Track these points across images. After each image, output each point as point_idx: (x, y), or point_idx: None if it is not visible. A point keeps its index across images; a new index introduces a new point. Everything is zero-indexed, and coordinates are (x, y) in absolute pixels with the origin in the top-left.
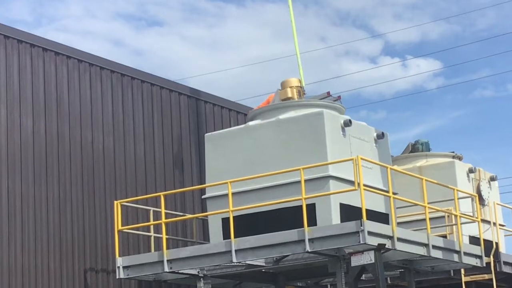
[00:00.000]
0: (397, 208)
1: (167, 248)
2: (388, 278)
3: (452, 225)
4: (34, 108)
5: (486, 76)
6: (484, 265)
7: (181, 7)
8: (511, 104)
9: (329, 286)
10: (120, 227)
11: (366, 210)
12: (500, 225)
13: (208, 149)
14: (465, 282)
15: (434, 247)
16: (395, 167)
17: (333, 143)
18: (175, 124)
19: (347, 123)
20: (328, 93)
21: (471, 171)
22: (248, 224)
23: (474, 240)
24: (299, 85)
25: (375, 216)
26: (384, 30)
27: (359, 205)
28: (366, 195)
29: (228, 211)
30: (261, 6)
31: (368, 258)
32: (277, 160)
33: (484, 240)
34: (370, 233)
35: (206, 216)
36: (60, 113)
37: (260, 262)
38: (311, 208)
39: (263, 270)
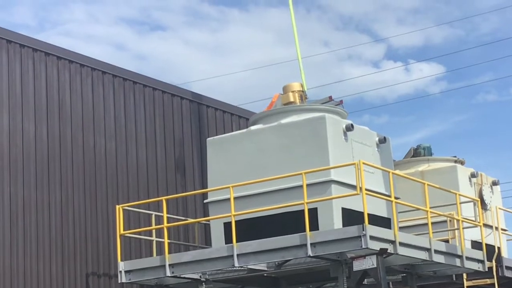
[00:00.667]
0: (399, 212)
1: (169, 252)
2: (390, 283)
3: (454, 229)
4: (36, 113)
5: (489, 80)
6: (486, 269)
7: (184, 12)
8: None
9: None
10: (122, 232)
11: (368, 214)
12: (502, 229)
13: (210, 154)
14: (467, 287)
15: (436, 251)
16: (397, 171)
17: (335, 148)
18: (177, 128)
19: (349, 128)
20: (330, 97)
21: (473, 175)
22: (250, 229)
23: (476, 245)
24: (301, 89)
25: (377, 220)
26: (387, 35)
27: (361, 210)
28: (368, 200)
29: (230, 216)
30: (264, 11)
31: (370, 262)
32: (279, 165)
33: (486, 244)
34: (372, 237)
35: (208, 220)
36: (62, 118)
37: (262, 266)
38: (313, 212)
39: (265, 275)
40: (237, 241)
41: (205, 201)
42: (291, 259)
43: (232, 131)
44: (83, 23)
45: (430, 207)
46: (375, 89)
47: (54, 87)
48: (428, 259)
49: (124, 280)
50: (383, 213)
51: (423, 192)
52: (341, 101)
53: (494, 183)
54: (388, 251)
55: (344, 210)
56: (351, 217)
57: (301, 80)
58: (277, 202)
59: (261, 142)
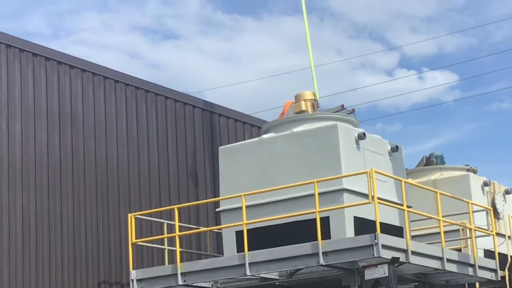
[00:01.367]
0: (412, 221)
1: (181, 261)
2: None
3: (467, 238)
4: (48, 122)
5: (503, 89)
6: (499, 279)
7: (198, 20)
8: None
9: None
10: (134, 240)
11: (380, 223)
12: None
13: (222, 162)
14: None
15: (449, 260)
16: (409, 180)
17: (347, 156)
18: (189, 137)
19: (361, 136)
20: (342, 106)
21: (485, 184)
22: (262, 237)
23: (489, 254)
24: (313, 98)
25: (389, 229)
26: (400, 43)
27: (373, 218)
28: (380, 209)
29: (241, 224)
30: (278, 19)
31: (382, 271)
32: (291, 173)
33: (499, 253)
34: (384, 246)
35: (220, 229)
36: (74, 127)
37: (274, 275)
38: (325, 221)
39: (277, 283)
40: (249, 250)
41: (217, 209)
42: (303, 268)
43: (244, 139)
44: (97, 31)
45: (443, 216)
46: (389, 97)
47: (66, 95)
48: (440, 268)
49: None
50: (396, 222)
51: (435, 201)
52: (353, 109)
53: (507, 192)
54: (400, 260)
55: (356, 219)
56: (364, 225)
57: (314, 89)
58: (289, 210)
59: (273, 151)
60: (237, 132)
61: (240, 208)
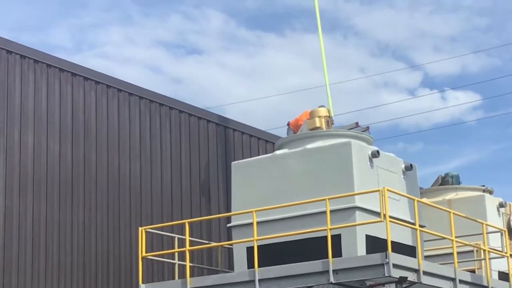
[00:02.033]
0: (425, 241)
1: (192, 276)
2: None
3: (481, 259)
4: (61, 133)
5: None
6: None
7: (220, 36)
8: None
9: None
10: (144, 254)
11: (393, 242)
12: None
13: (234, 177)
14: None
15: (461, 281)
16: (424, 199)
17: (360, 174)
18: (202, 151)
19: (375, 154)
20: (357, 123)
21: (501, 205)
22: (273, 254)
23: (503, 276)
24: (328, 115)
25: (401, 248)
26: (424, 62)
27: (385, 237)
28: (393, 227)
29: (252, 240)
30: (300, 36)
31: None
32: (303, 190)
33: None
34: (395, 265)
35: (231, 244)
36: (87, 138)
37: None
38: (337, 239)
39: None
40: (259, 266)
41: (228, 225)
42: (313, 286)
43: (259, 155)
44: (120, 45)
45: (457, 236)
46: (411, 115)
47: (80, 107)
48: None
49: None
50: (408, 241)
51: (449, 221)
52: (368, 127)
53: None
54: (410, 279)
55: (368, 237)
56: (376, 244)
57: (328, 106)
58: (301, 227)
59: (286, 167)
60: (252, 147)
61: (251, 224)
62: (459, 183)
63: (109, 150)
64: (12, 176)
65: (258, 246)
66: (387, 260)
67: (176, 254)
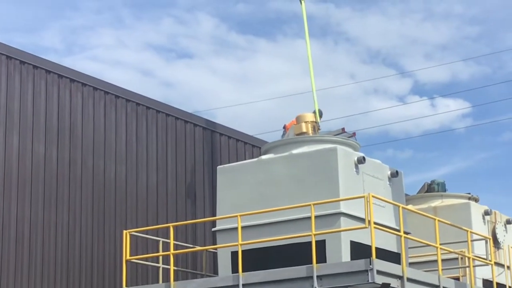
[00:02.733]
0: (411, 248)
1: (176, 279)
2: None
3: (465, 267)
4: (47, 135)
5: None
6: None
7: (212, 40)
8: None
9: None
10: (128, 257)
11: (377, 248)
12: None
13: (220, 182)
14: None
15: None
16: (409, 206)
17: (345, 180)
18: (189, 155)
19: (361, 160)
20: (343, 129)
21: (486, 213)
22: (257, 259)
23: (487, 284)
24: (314, 120)
25: (386, 255)
26: (414, 69)
27: (370, 243)
28: (378, 234)
29: (237, 245)
30: (292, 41)
31: None
32: (288, 195)
33: (498, 283)
34: (379, 272)
35: (216, 249)
36: (73, 140)
37: None
38: (321, 244)
39: None
40: (244, 271)
41: (213, 229)
42: None
43: (245, 159)
44: (111, 48)
45: (441, 244)
46: (400, 122)
47: (66, 109)
48: None
49: None
50: (393, 248)
51: (435, 228)
52: (354, 133)
53: (508, 222)
54: (392, 286)
55: (353, 243)
56: (360, 250)
57: (315, 111)
58: (285, 232)
59: (272, 172)
60: (238, 152)
61: (236, 228)
62: (445, 190)
63: (95, 152)
64: None
65: (243, 251)
66: (371, 266)
67: (161, 257)
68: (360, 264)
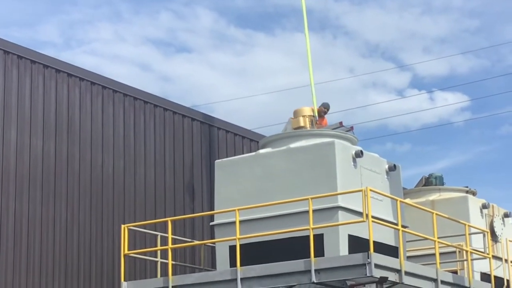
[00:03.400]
0: (409, 241)
1: (175, 274)
2: None
3: (463, 260)
4: (44, 129)
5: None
6: None
7: (210, 34)
8: None
9: None
10: (126, 251)
11: (375, 242)
12: None
13: (218, 176)
14: None
15: (443, 282)
16: (407, 200)
17: (343, 174)
18: (187, 149)
19: (359, 154)
20: (341, 123)
21: (484, 206)
22: (255, 253)
23: (485, 277)
24: (312, 114)
25: (384, 248)
26: (412, 63)
27: (367, 237)
28: (376, 228)
29: (235, 239)
30: (290, 35)
31: None
32: (286, 189)
33: (496, 277)
34: (377, 266)
35: (214, 243)
36: (70, 135)
37: None
38: (319, 238)
39: None
40: (242, 265)
41: (211, 223)
42: (295, 285)
43: (243, 154)
44: (109, 42)
45: (439, 237)
46: (399, 115)
47: (63, 104)
48: None
49: None
50: (391, 242)
51: (433, 222)
52: (352, 127)
53: (506, 215)
54: (390, 279)
55: (351, 237)
56: (358, 244)
57: (313, 105)
58: (284, 226)
59: (269, 166)
60: (236, 146)
61: (234, 222)
62: (442, 184)
63: (93, 147)
64: None
65: (241, 245)
66: (369, 260)
67: (159, 252)
68: (358, 258)
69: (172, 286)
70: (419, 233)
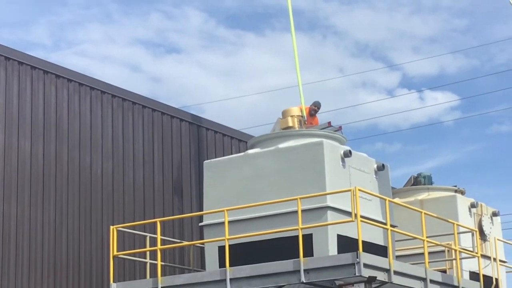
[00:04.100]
0: (399, 241)
1: (164, 275)
2: None
3: (452, 259)
4: (32, 131)
5: (503, 109)
6: None
7: (200, 35)
8: None
9: None
10: (115, 253)
11: (364, 242)
12: (501, 261)
13: (206, 176)
14: None
15: (432, 281)
16: (396, 199)
17: (332, 174)
18: (175, 150)
19: (347, 154)
20: (329, 123)
21: (473, 205)
22: (245, 253)
23: (474, 276)
24: (300, 114)
25: (373, 248)
26: (402, 62)
27: (356, 237)
28: (365, 227)
29: (224, 239)
30: (280, 35)
31: None
32: (275, 189)
33: (484, 276)
34: (366, 265)
35: (203, 244)
36: (59, 136)
37: None
38: (308, 238)
39: None
40: (231, 265)
41: (200, 224)
42: (284, 285)
43: (231, 154)
44: (99, 43)
45: (428, 237)
46: (389, 115)
47: (51, 105)
48: None
49: None
50: (380, 241)
51: (421, 221)
52: (340, 127)
53: (495, 214)
54: (378, 279)
55: (340, 237)
56: (347, 244)
57: (301, 105)
58: (272, 227)
59: (258, 166)
60: (225, 146)
61: (223, 223)
62: (431, 183)
63: (81, 148)
64: None
65: (230, 245)
66: (358, 259)
67: (148, 253)
68: (347, 257)
69: (162, 287)
70: (408, 232)
